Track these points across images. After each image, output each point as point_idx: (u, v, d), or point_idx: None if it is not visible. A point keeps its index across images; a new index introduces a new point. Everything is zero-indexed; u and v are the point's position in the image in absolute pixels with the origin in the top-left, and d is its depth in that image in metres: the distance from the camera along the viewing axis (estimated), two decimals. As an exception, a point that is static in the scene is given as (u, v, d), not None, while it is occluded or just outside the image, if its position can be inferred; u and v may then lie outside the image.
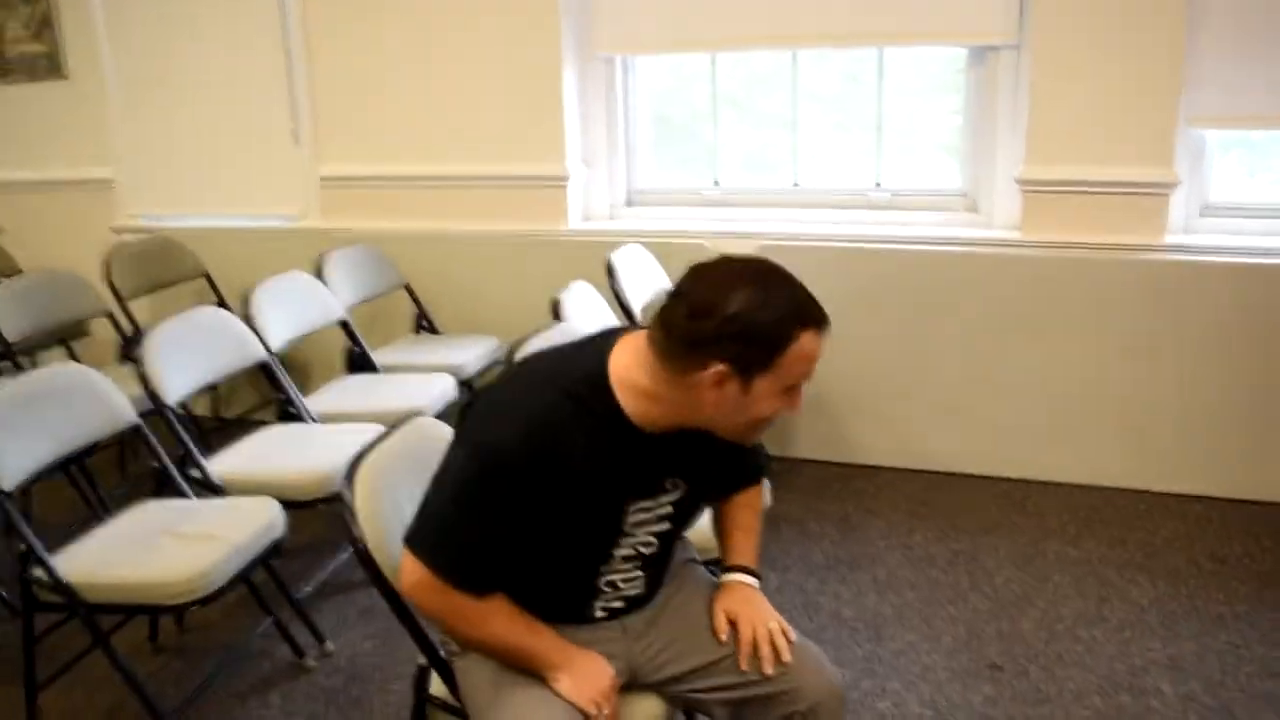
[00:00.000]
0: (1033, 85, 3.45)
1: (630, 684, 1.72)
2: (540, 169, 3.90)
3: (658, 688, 1.74)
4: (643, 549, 1.67)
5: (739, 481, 1.85)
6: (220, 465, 2.71)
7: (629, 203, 4.12)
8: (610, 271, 3.30)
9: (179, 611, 2.22)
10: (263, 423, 3.03)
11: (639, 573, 1.71)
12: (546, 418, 1.50)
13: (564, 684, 1.60)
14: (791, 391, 1.51)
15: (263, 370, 3.07)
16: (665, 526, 1.67)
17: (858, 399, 3.80)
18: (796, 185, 4.00)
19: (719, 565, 1.83)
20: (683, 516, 1.70)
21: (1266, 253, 3.40)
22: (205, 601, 2.21)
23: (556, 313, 2.86)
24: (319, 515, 2.73)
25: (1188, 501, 3.48)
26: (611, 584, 1.70)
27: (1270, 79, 3.33)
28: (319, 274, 3.53)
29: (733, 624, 1.70)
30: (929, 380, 3.71)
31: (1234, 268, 3.39)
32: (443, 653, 1.76)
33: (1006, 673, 2.59)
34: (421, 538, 1.57)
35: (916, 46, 3.75)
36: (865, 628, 2.78)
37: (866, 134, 3.90)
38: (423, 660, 1.78)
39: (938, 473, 3.74)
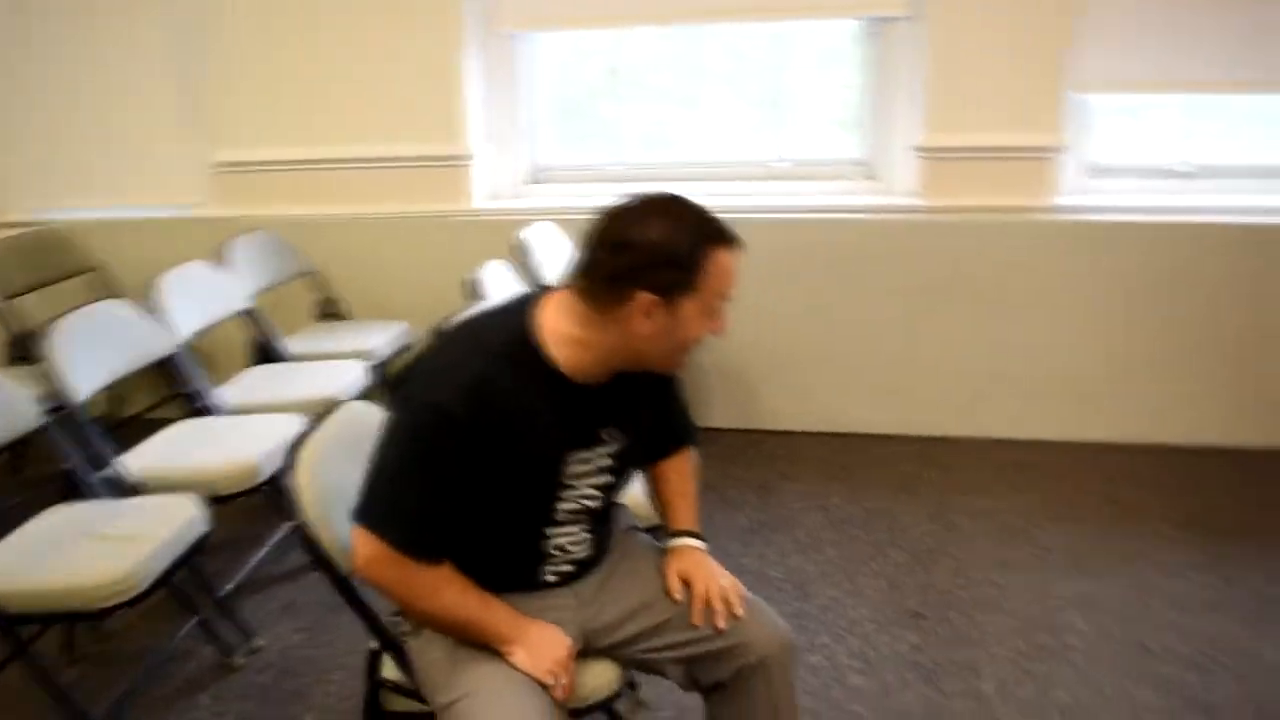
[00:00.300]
0: (929, 55, 3.55)
1: (584, 650, 1.74)
2: (443, 149, 3.84)
3: (610, 652, 1.77)
4: (586, 502, 1.69)
5: (672, 441, 1.89)
6: (133, 463, 2.62)
7: (534, 180, 4.10)
8: (522, 249, 3.28)
9: (105, 616, 2.13)
10: (165, 420, 2.92)
11: (585, 534, 1.73)
12: (483, 376, 1.53)
13: (519, 656, 1.62)
14: (714, 312, 1.58)
15: (170, 363, 2.96)
16: (605, 479, 1.70)
17: (768, 367, 3.87)
18: (699, 159, 4.03)
19: (662, 533, 1.87)
20: (620, 470, 1.73)
21: (1150, 210, 3.58)
22: (133, 603, 2.13)
23: (474, 292, 2.83)
24: (235, 511, 2.65)
25: (1088, 449, 3.65)
26: (560, 548, 1.72)
27: (1146, 47, 3.49)
28: (220, 262, 3.42)
29: (686, 584, 1.74)
30: (836, 345, 3.80)
31: (1121, 225, 3.57)
32: (395, 634, 1.75)
33: (929, 620, 2.70)
34: (370, 511, 1.56)
35: (814, 20, 3.81)
36: (792, 586, 2.85)
37: (767, 108, 3.96)
38: (374, 644, 1.77)
39: (849, 435, 3.84)
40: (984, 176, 3.61)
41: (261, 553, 3.01)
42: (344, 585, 1.71)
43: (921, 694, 2.41)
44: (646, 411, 1.77)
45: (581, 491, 1.68)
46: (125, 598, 2.10)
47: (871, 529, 3.18)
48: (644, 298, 1.51)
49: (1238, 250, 3.49)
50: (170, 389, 3.64)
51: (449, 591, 1.61)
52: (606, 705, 1.79)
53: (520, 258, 3.24)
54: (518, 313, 1.62)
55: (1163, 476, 3.44)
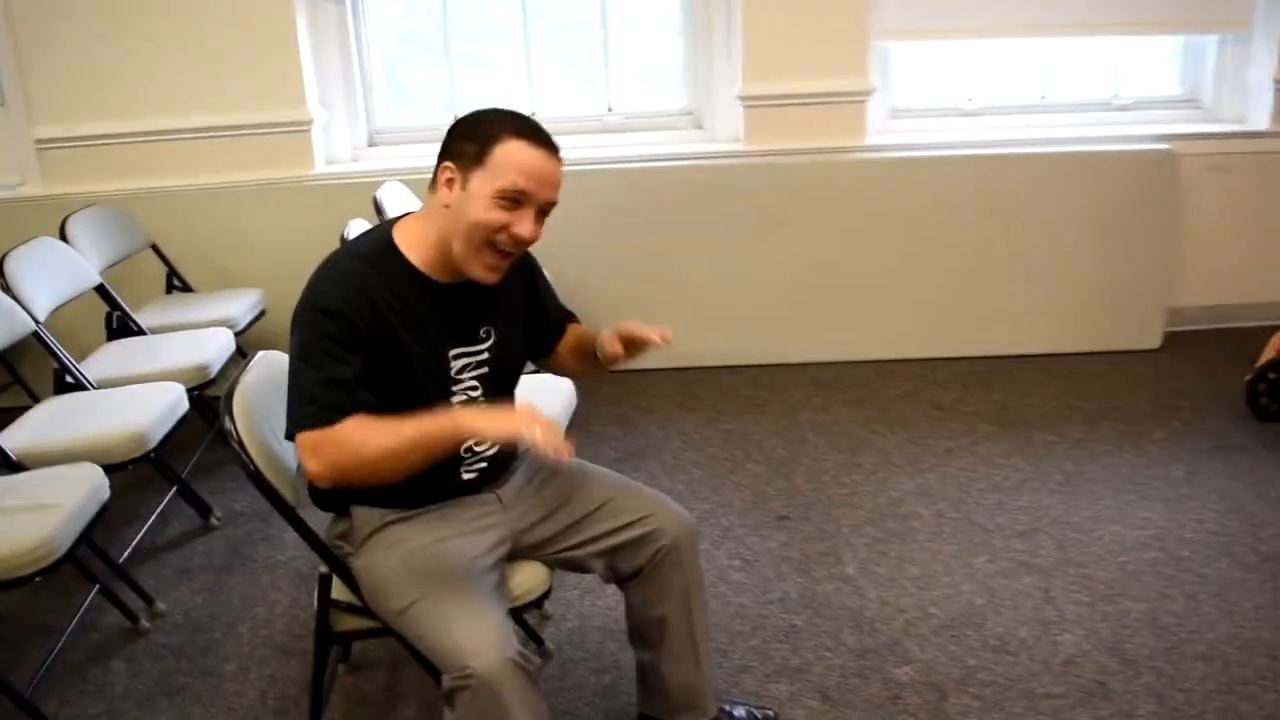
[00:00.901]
0: (744, 11, 3.83)
1: (513, 554, 1.92)
2: (281, 115, 3.86)
3: (539, 553, 1.96)
4: (472, 394, 1.84)
5: (558, 326, 2.08)
6: (9, 441, 2.60)
7: (370, 143, 4.17)
8: (377, 207, 3.37)
9: (22, 585, 2.14)
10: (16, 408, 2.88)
11: None
12: (353, 273, 1.71)
13: (485, 428, 1.65)
14: (514, 206, 1.68)
15: (35, 340, 2.92)
16: (486, 370, 1.85)
17: (614, 310, 4.00)
18: (533, 114, 4.16)
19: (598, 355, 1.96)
20: (500, 364, 1.88)
21: (945, 146, 4.00)
22: (49, 571, 2.17)
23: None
24: (117, 481, 2.67)
25: (905, 364, 4.06)
26: (469, 449, 1.85)
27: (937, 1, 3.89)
28: (63, 238, 3.35)
29: (625, 340, 1.90)
30: (676, 285, 4.06)
31: (921, 160, 3.97)
32: (340, 555, 1.88)
33: (793, 520, 3.00)
34: (297, 418, 1.66)
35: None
36: (666, 505, 3.10)
37: (595, 65, 4.16)
38: (324, 568, 1.89)
39: (696, 368, 4.12)
40: (800, 121, 3.94)
41: (149, 521, 3.02)
42: (287, 511, 1.82)
43: (795, 582, 2.70)
44: (521, 303, 1.95)
45: (467, 384, 1.84)
46: (44, 564, 2.13)
47: (729, 448, 3.47)
48: (445, 168, 1.71)
49: (1019, 175, 3.94)
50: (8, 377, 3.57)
51: (375, 429, 1.64)
52: (539, 603, 1.98)
53: (379, 214, 3.33)
54: (379, 228, 1.84)
55: (974, 382, 3.88)
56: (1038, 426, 3.51)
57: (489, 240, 1.71)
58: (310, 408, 1.65)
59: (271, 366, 1.99)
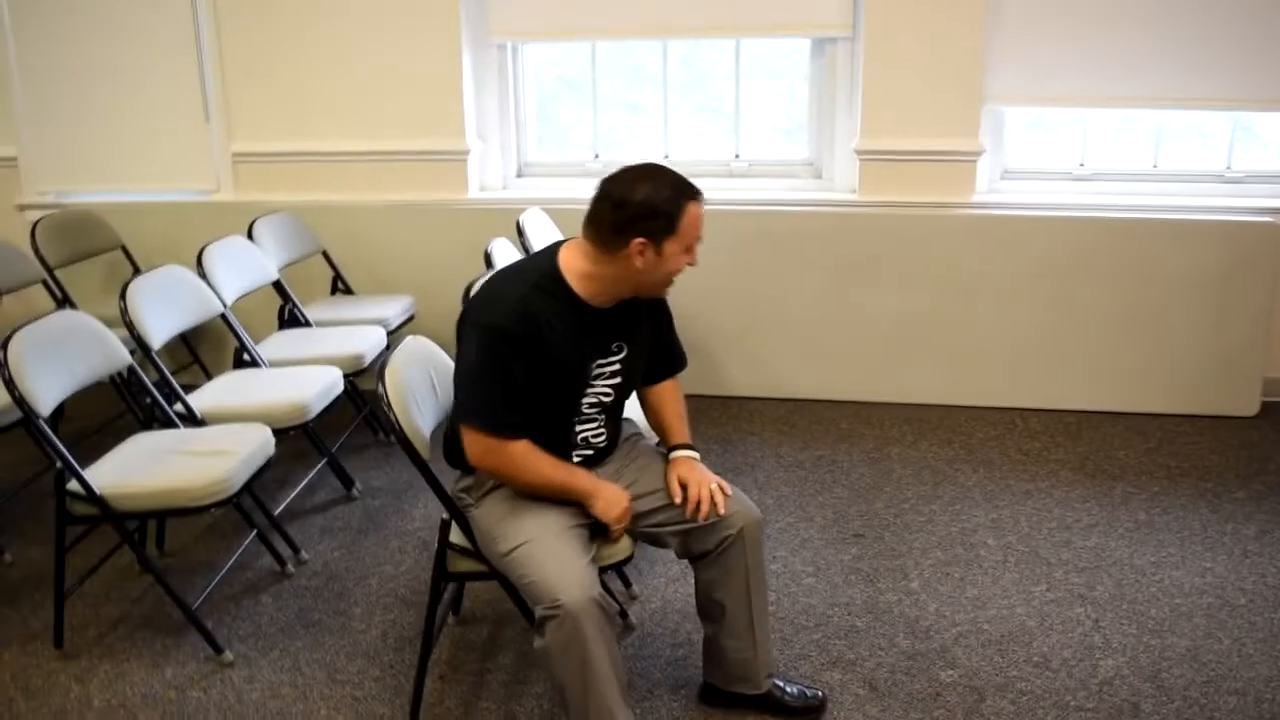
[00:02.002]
0: (865, 71, 4.14)
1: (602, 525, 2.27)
2: (442, 144, 4.34)
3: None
4: (603, 398, 2.25)
5: (666, 366, 2.45)
6: (196, 403, 3.08)
7: (519, 174, 4.62)
8: (520, 230, 3.78)
9: (203, 512, 2.58)
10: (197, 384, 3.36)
11: (601, 429, 2.29)
12: (525, 303, 2.10)
13: (598, 505, 2.15)
14: (690, 249, 2.14)
15: (220, 322, 3.43)
16: (617, 380, 2.26)
17: (727, 341, 4.42)
18: (668, 157, 4.58)
19: (663, 447, 2.40)
20: (628, 373, 2.28)
21: (1052, 207, 4.20)
22: (224, 504, 2.60)
23: (488, 261, 3.33)
24: (278, 450, 3.09)
25: (997, 411, 4.25)
26: (584, 439, 2.27)
27: (1052, 67, 4.12)
28: (250, 238, 3.87)
29: (684, 487, 2.26)
30: (786, 322, 4.36)
31: (1027, 220, 4.17)
32: (460, 506, 2.25)
33: (867, 539, 3.25)
34: (472, 412, 2.11)
35: (768, 38, 4.38)
36: (753, 516, 3.39)
37: (727, 114, 4.52)
38: (444, 515, 2.26)
39: (796, 399, 4.40)
40: (912, 176, 4.20)
41: (300, 486, 3.48)
42: (422, 465, 2.21)
43: (861, 590, 2.96)
44: (648, 330, 2.33)
45: (600, 389, 2.23)
46: (221, 497, 2.57)
47: (819, 471, 3.74)
48: (638, 242, 2.07)
49: (1124, 241, 4.11)
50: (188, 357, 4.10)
51: (542, 461, 2.14)
52: (620, 566, 2.31)
53: (520, 236, 3.74)
54: (546, 256, 2.21)
55: (1063, 434, 4.04)
56: (1118, 478, 3.66)
57: (676, 275, 2.17)
58: (492, 416, 2.09)
59: (420, 349, 2.40)
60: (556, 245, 2.22)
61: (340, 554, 3.20)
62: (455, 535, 2.27)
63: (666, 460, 2.35)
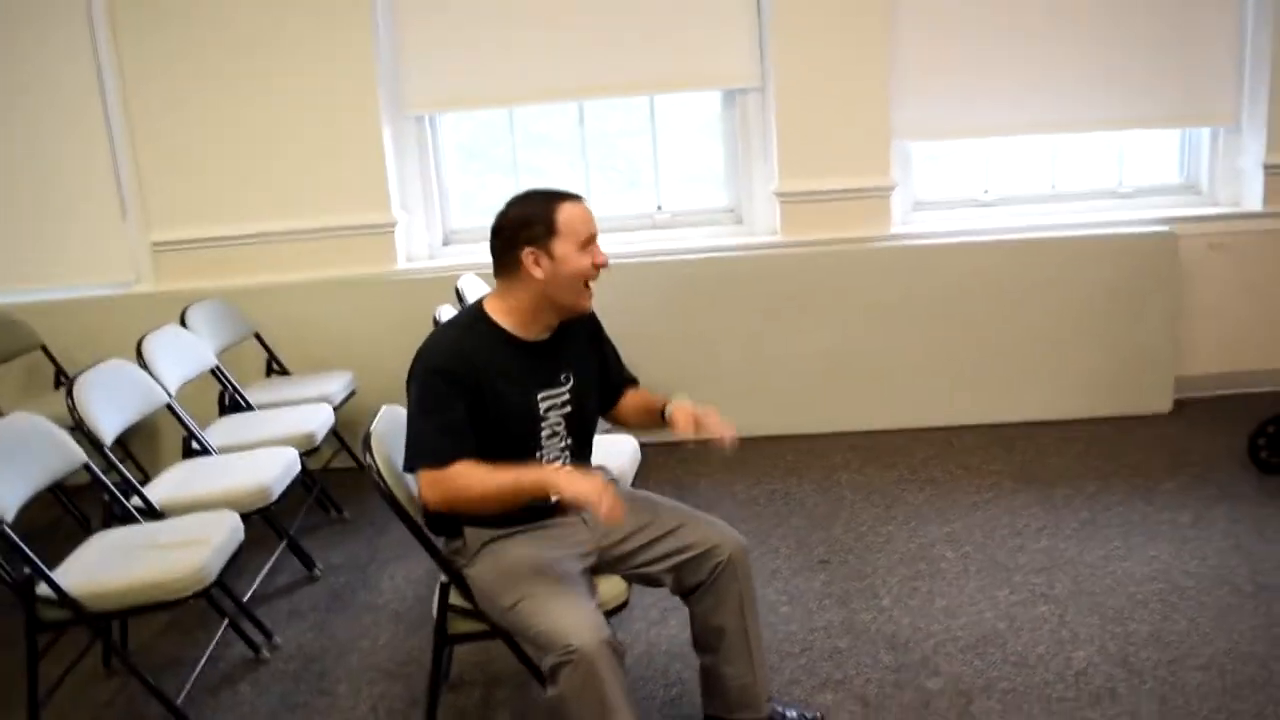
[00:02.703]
0: (778, 118, 4.31)
1: (597, 568, 2.30)
2: (369, 218, 4.36)
3: (619, 566, 2.34)
4: (557, 429, 2.30)
5: (619, 386, 2.53)
6: (155, 494, 3.02)
7: (445, 242, 4.65)
8: (459, 296, 3.82)
9: (181, 605, 2.52)
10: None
11: (569, 458, 2.33)
12: (459, 343, 2.22)
13: (565, 485, 2.07)
14: (587, 248, 2.20)
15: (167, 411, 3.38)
16: (568, 409, 2.32)
17: (667, 388, 4.45)
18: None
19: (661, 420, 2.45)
20: (579, 403, 2.34)
21: (964, 234, 4.42)
22: (201, 595, 2.55)
23: (436, 324, 3.35)
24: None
25: (933, 431, 4.41)
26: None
27: (953, 101, 4.37)
28: (184, 325, 3.82)
29: (698, 424, 2.40)
30: (722, 364, 4.46)
31: (942, 248, 4.38)
32: (457, 567, 2.26)
33: (833, 564, 3.34)
34: (413, 455, 2.15)
35: (680, 92, 4.54)
36: (719, 554, 3.45)
37: (645, 168, 4.65)
38: (443, 579, 2.27)
39: (740, 438, 4.47)
40: (831, 214, 4.37)
41: (263, 572, 3.41)
42: (415, 529, 2.23)
43: (837, 613, 3.04)
44: (594, 362, 2.42)
45: (554, 420, 2.29)
46: (199, 588, 2.52)
47: (774, 505, 3.82)
48: (528, 253, 2.18)
49: (1033, 259, 4.33)
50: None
51: (482, 473, 2.11)
52: (617, 612, 2.34)
53: (460, 302, 3.77)
54: (473, 305, 2.33)
55: (997, 446, 4.21)
56: (1056, 483, 3.83)
57: (585, 279, 2.22)
58: (428, 450, 2.13)
59: (394, 417, 2.41)
60: (481, 297, 2.33)
61: (313, 634, 3.15)
62: (453, 597, 2.28)
63: (664, 418, 2.42)
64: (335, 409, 3.85)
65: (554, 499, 2.23)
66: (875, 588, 3.17)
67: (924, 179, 4.61)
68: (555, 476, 2.12)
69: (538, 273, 2.18)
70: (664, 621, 3.01)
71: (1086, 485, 3.78)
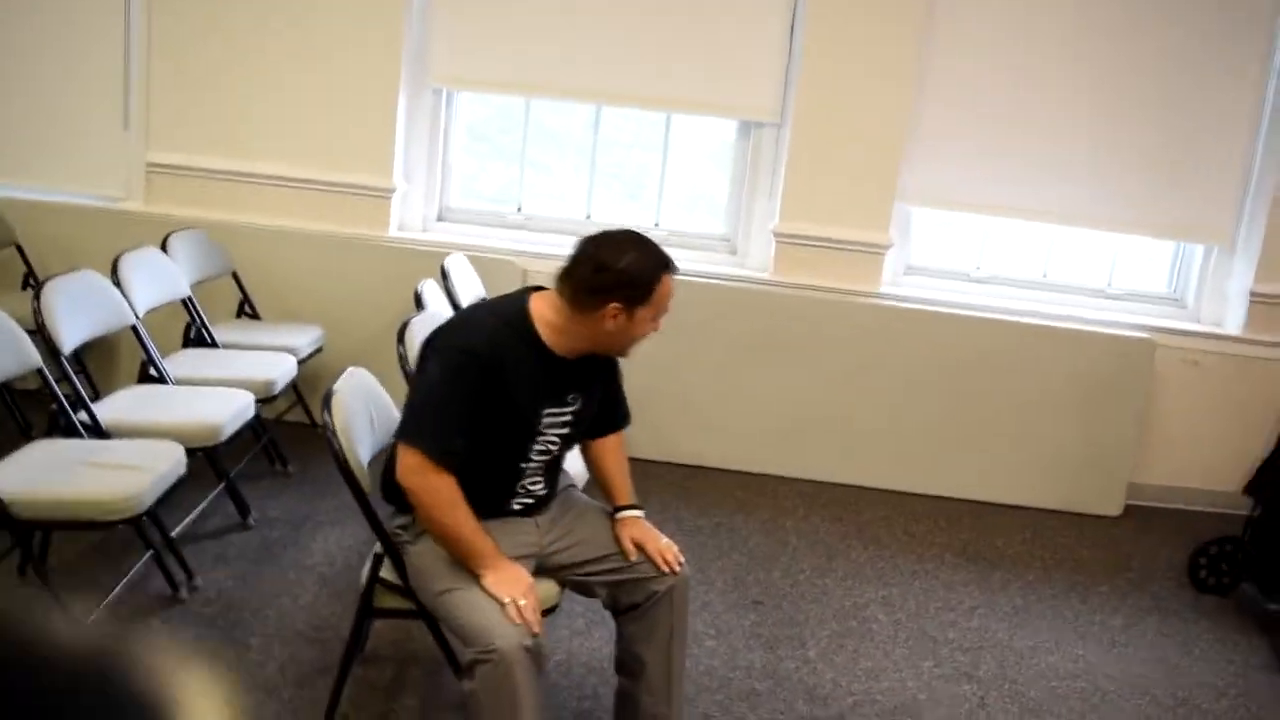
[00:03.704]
0: (790, 157, 4.32)
1: (537, 570, 2.28)
2: (368, 180, 4.32)
3: (557, 573, 2.31)
4: (550, 447, 2.26)
5: (612, 421, 2.50)
6: (105, 413, 2.97)
7: (440, 218, 4.62)
8: (444, 274, 3.79)
9: (110, 528, 2.48)
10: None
11: (542, 478, 2.31)
12: (495, 335, 2.14)
13: (489, 579, 2.08)
14: (657, 318, 2.22)
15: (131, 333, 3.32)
16: (565, 430, 2.28)
17: (635, 402, 4.46)
18: (589, 218, 4.66)
19: (608, 502, 2.44)
20: (576, 425, 2.31)
21: (950, 305, 4.44)
22: (130, 522, 2.51)
23: (419, 302, 3.32)
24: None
25: (885, 494, 4.41)
26: (524, 487, 2.28)
27: (961, 173, 4.40)
28: (164, 251, 3.76)
29: (639, 546, 2.31)
30: (689, 389, 4.45)
31: (926, 315, 4.40)
32: (397, 542, 2.23)
33: (765, 606, 3.33)
34: (412, 429, 2.09)
35: (700, 115, 4.55)
36: (655, 576, 3.44)
37: (651, 183, 4.64)
38: (378, 549, 2.24)
39: (695, 466, 4.48)
40: (824, 262, 4.39)
41: (198, 508, 3.36)
42: (362, 498, 2.19)
43: (761, 655, 3.03)
44: (600, 387, 2.37)
45: (549, 438, 2.25)
46: (130, 513, 2.50)
47: (717, 538, 3.81)
48: (613, 307, 2.13)
49: (1012, 342, 4.37)
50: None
51: (460, 509, 2.09)
52: (546, 615, 2.31)
53: (445, 280, 3.74)
54: (516, 300, 2.24)
55: (945, 519, 4.23)
56: (997, 565, 3.85)
57: (640, 340, 2.24)
58: (429, 432, 2.08)
59: (362, 381, 2.39)
60: (526, 292, 2.25)
61: (235, 583, 3.10)
62: (386, 571, 2.25)
63: (612, 518, 2.39)
64: (300, 362, 3.80)
65: (516, 500, 2.26)
66: (804, 637, 3.16)
67: (920, 244, 4.64)
68: (484, 568, 2.08)
69: (610, 325, 2.14)
70: (587, 633, 2.99)
71: (1026, 573, 3.80)
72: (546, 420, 2.23)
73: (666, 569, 2.29)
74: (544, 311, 2.20)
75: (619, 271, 2.12)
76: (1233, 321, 4.48)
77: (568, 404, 2.26)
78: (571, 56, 4.36)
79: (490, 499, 2.22)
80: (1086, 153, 4.40)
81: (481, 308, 2.27)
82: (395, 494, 2.22)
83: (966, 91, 4.36)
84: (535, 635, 2.02)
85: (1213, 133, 4.40)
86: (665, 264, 2.20)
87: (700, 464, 4.50)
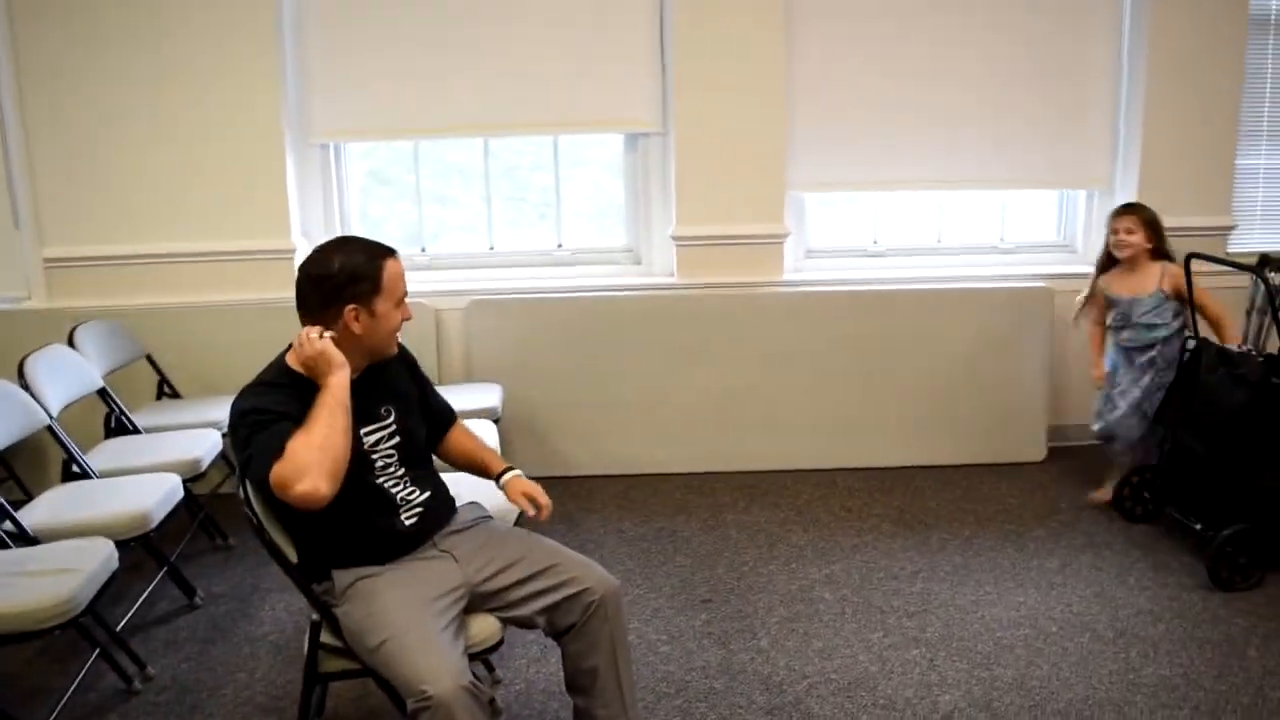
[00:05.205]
0: (677, 164, 4.42)
1: (470, 607, 2.33)
2: (266, 243, 4.33)
3: (492, 603, 2.35)
4: (390, 459, 2.34)
5: (443, 419, 2.61)
6: (30, 519, 2.96)
7: (345, 271, 4.63)
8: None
9: (44, 636, 2.47)
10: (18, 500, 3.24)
11: (412, 485, 2.38)
12: (264, 403, 2.18)
13: (325, 376, 2.18)
14: (401, 304, 2.29)
15: (47, 434, 3.30)
16: (396, 440, 2.37)
17: (562, 422, 4.54)
18: (493, 249, 4.71)
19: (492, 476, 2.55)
20: (406, 432, 2.39)
21: (853, 282, 4.57)
22: (67, 626, 2.51)
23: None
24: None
25: (819, 473, 4.53)
26: (402, 499, 2.35)
27: (845, 156, 4.54)
28: (71, 345, 3.74)
29: (530, 498, 2.45)
30: (617, 401, 4.53)
31: (831, 295, 4.52)
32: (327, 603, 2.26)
33: (714, 603, 3.41)
34: (256, 469, 2.13)
35: (584, 133, 4.62)
36: (604, 590, 3.49)
37: (548, 205, 4.71)
38: (314, 616, 2.27)
39: (632, 475, 4.55)
40: (725, 259, 4.49)
41: (140, 599, 3.35)
42: (290, 570, 2.23)
43: (715, 653, 3.10)
44: (414, 393, 2.48)
45: (385, 450, 2.33)
46: (66, 618, 2.49)
47: (660, 543, 3.88)
48: (350, 310, 2.23)
49: (917, 309, 4.50)
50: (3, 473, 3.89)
51: (305, 429, 2.12)
52: (489, 654, 2.38)
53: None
54: (277, 359, 2.34)
55: (878, 489, 4.35)
56: (933, 527, 3.97)
57: (397, 332, 2.31)
58: (262, 456, 2.12)
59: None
60: (283, 351, 2.33)
61: (189, 665, 3.10)
62: (324, 635, 2.28)
63: (500, 485, 2.51)
64: (224, 435, 3.80)
65: (404, 515, 2.33)
66: (754, 628, 3.25)
67: (816, 228, 4.76)
68: (327, 379, 2.17)
69: (356, 328, 2.23)
70: (544, 659, 3.04)
71: (962, 530, 3.93)
72: (371, 439, 2.31)
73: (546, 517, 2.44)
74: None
75: (334, 275, 2.21)
76: (1122, 258, 4.66)
77: (382, 417, 2.35)
78: (450, 93, 4.41)
79: (377, 529, 2.28)
80: (965, 116, 4.56)
81: (250, 385, 2.28)
82: (305, 567, 2.27)
83: (840, 75, 4.50)
84: (470, 680, 2.06)
85: (1079, 83, 4.59)
86: (380, 252, 2.27)
87: (637, 472, 4.57)
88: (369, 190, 4.78)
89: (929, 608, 3.35)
